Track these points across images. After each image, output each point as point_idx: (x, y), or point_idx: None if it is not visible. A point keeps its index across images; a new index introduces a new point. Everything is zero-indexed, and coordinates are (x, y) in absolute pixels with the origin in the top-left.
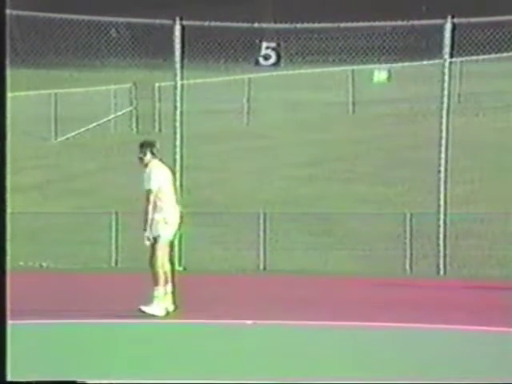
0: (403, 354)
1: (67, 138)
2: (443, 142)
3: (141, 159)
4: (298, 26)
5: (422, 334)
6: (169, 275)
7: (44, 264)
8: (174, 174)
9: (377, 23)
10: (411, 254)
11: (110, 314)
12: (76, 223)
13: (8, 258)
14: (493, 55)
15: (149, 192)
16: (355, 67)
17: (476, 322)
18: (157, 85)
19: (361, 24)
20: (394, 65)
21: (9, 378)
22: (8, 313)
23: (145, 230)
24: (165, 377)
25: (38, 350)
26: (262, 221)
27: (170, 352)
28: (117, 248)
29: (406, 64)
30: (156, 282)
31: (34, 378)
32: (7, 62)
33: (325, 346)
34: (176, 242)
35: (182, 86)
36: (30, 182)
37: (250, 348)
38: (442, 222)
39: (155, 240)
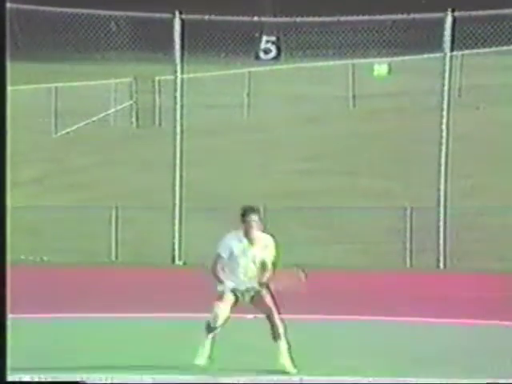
0: (403, 348)
1: (67, 132)
2: (444, 135)
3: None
4: (298, 19)
5: (422, 327)
6: None
7: (45, 258)
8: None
9: (377, 17)
10: (411, 248)
11: (110, 309)
12: (76, 217)
13: (8, 251)
14: (493, 49)
15: None
16: (355, 61)
17: (477, 316)
18: (157, 79)
19: (361, 17)
20: (395, 58)
21: (9, 378)
22: (8, 310)
23: None
24: (164, 371)
25: (39, 345)
26: (262, 214)
27: (170, 347)
28: (117, 242)
29: (407, 58)
30: None
31: (34, 373)
32: (7, 55)
33: (324, 340)
34: (176, 236)
35: (182, 79)
36: (30, 175)
37: (251, 342)
38: (442, 216)
39: None
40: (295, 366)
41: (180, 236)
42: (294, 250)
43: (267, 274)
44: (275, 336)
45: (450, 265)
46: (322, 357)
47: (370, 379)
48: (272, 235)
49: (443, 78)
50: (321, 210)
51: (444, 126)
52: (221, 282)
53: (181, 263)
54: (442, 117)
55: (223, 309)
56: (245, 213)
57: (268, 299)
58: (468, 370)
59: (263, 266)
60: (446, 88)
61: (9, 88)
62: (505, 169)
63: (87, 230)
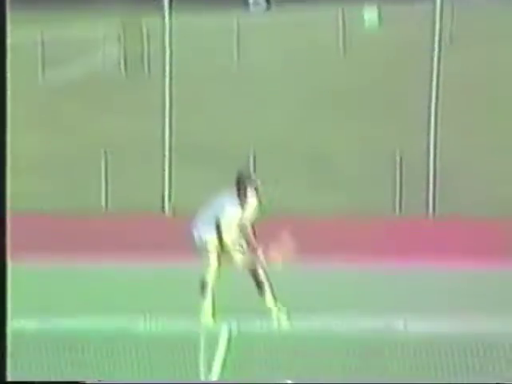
0: (393, 293)
1: (56, 80)
2: (434, 79)
3: None
4: None
5: (412, 273)
6: None
7: (35, 205)
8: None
9: None
10: (401, 194)
11: (99, 257)
12: (65, 165)
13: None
14: None
15: None
16: (346, 8)
17: (466, 260)
18: (145, 25)
19: None
20: (385, 6)
21: (9, 378)
22: (9, 310)
23: None
24: (155, 317)
25: (29, 291)
26: (251, 161)
27: (160, 293)
28: (106, 191)
29: (397, 5)
30: None
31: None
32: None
33: (316, 286)
34: (166, 185)
35: (171, 27)
36: (18, 123)
37: (241, 289)
38: (431, 162)
39: None
40: (279, 307)
41: (170, 184)
42: (284, 197)
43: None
44: (261, 292)
45: (439, 210)
46: (314, 303)
47: (358, 319)
48: (262, 181)
49: (434, 24)
50: (311, 156)
51: (435, 71)
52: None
53: (170, 211)
54: (432, 62)
55: (212, 259)
56: (241, 182)
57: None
58: (458, 314)
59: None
60: (436, 34)
61: None
62: (495, 112)
63: (77, 178)
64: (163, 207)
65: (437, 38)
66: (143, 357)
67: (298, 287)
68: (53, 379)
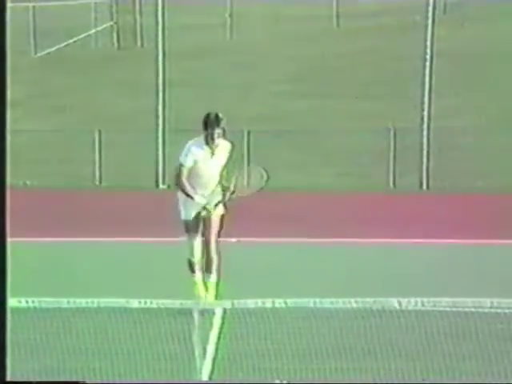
0: (389, 270)
1: (47, 53)
2: (428, 53)
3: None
4: None
5: (406, 248)
6: None
7: (28, 182)
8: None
9: None
10: (395, 169)
11: (94, 233)
12: (58, 141)
13: None
14: None
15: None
16: None
17: (460, 236)
18: None
19: None
20: None
21: (9, 378)
22: (8, 310)
23: None
24: (151, 294)
25: (23, 268)
26: (245, 138)
27: (155, 269)
28: (100, 166)
29: None
30: None
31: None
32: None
33: (310, 263)
34: (160, 160)
35: (164, 0)
36: (9, 97)
37: (234, 266)
38: (425, 136)
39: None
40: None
41: (164, 159)
42: (277, 173)
43: (231, 185)
44: (208, 268)
45: (433, 185)
46: (307, 279)
47: (355, 295)
48: (232, 143)
49: None
50: (305, 132)
51: (428, 44)
52: (190, 196)
53: (165, 187)
54: (426, 35)
55: (197, 237)
56: (208, 123)
57: (214, 224)
58: (452, 289)
59: (225, 173)
60: (430, 4)
61: None
62: (490, 87)
63: (70, 154)
64: (157, 182)
65: (431, 8)
66: (137, 333)
67: (292, 263)
68: (52, 379)
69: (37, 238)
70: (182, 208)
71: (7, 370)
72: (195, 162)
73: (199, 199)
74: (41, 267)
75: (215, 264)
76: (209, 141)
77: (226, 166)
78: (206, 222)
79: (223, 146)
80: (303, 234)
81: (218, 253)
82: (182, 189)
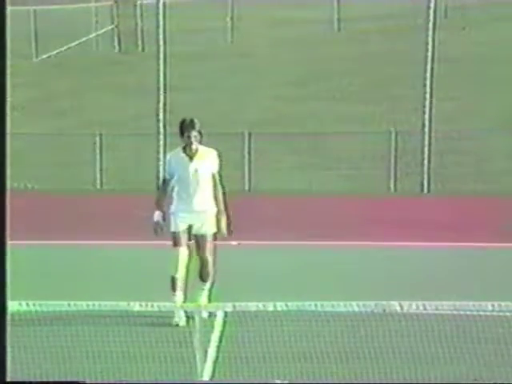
0: (390, 273)
1: (48, 57)
2: (429, 57)
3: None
4: None
5: (407, 251)
6: None
7: (29, 185)
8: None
9: None
10: (396, 172)
11: (95, 236)
12: (59, 145)
13: None
14: None
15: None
16: None
17: (460, 239)
18: (139, 2)
19: None
20: None
21: (9, 378)
22: (8, 313)
23: None
24: (150, 298)
25: (24, 271)
26: (246, 141)
27: (156, 273)
28: (101, 170)
29: None
30: None
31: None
32: (7, 55)
33: (311, 266)
34: (161, 163)
35: (165, 3)
36: (11, 102)
37: (235, 269)
38: (426, 140)
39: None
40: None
41: (164, 163)
42: (279, 176)
43: (219, 194)
44: (203, 279)
45: (433, 188)
46: (308, 282)
47: (354, 298)
48: (217, 150)
49: None
50: (306, 135)
51: (429, 47)
52: (161, 210)
53: None
54: (427, 38)
55: (184, 252)
56: (183, 127)
57: (209, 241)
58: (452, 292)
59: (210, 180)
60: (431, 8)
61: None
62: (490, 91)
63: (71, 157)
64: (158, 186)
65: (431, 12)
66: (138, 336)
67: (292, 266)
68: (53, 379)
69: (37, 240)
70: (171, 219)
71: (7, 370)
72: (175, 172)
73: (156, 216)
74: (41, 270)
75: (210, 276)
76: (186, 147)
77: (215, 176)
78: (200, 239)
79: (205, 152)
80: (304, 237)
81: (214, 266)
82: (157, 203)
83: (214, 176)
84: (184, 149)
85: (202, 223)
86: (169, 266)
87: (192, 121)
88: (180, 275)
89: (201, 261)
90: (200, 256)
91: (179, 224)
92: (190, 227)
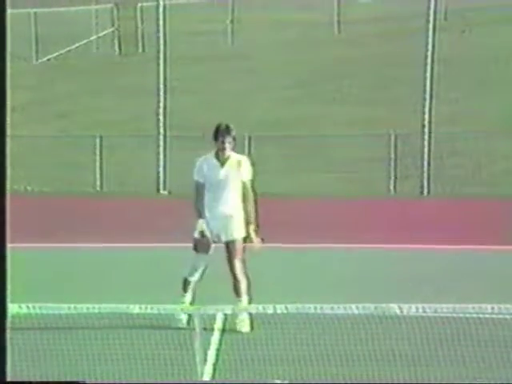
0: (390, 275)
1: (49, 59)
2: (429, 60)
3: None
4: None
5: (406, 253)
6: None
7: (29, 187)
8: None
9: None
10: (395, 175)
11: (95, 239)
12: (59, 146)
13: None
14: None
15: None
16: None
17: (461, 241)
18: (139, 5)
19: None
20: None
21: (9, 378)
22: (8, 315)
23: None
24: (150, 300)
25: (24, 274)
26: (246, 143)
27: (156, 276)
28: (101, 172)
29: None
30: None
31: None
32: (7, 57)
33: (310, 268)
34: (161, 166)
35: (165, 6)
36: (11, 104)
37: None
38: (426, 142)
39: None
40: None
41: (164, 165)
42: (278, 178)
43: (250, 202)
44: (237, 291)
45: (433, 191)
46: (307, 284)
47: (355, 300)
48: (250, 158)
49: (428, 0)
50: (306, 138)
51: (429, 50)
52: (201, 216)
53: (165, 193)
54: (427, 41)
55: (203, 259)
56: (218, 133)
57: (238, 247)
58: (452, 294)
59: (240, 187)
60: (431, 11)
61: None
62: (490, 93)
63: (71, 159)
64: (158, 188)
65: (431, 13)
66: (138, 339)
67: (292, 269)
68: (52, 379)
69: (37, 243)
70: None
71: (7, 370)
72: (205, 177)
73: (200, 224)
74: (41, 272)
75: (243, 285)
76: (219, 152)
77: (246, 184)
78: (230, 245)
79: (237, 159)
80: (303, 240)
81: (245, 274)
82: (195, 206)
83: (245, 184)
84: (216, 154)
85: (229, 229)
86: (185, 267)
87: (227, 126)
88: (194, 279)
89: (233, 276)
90: (231, 270)
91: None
92: (216, 235)
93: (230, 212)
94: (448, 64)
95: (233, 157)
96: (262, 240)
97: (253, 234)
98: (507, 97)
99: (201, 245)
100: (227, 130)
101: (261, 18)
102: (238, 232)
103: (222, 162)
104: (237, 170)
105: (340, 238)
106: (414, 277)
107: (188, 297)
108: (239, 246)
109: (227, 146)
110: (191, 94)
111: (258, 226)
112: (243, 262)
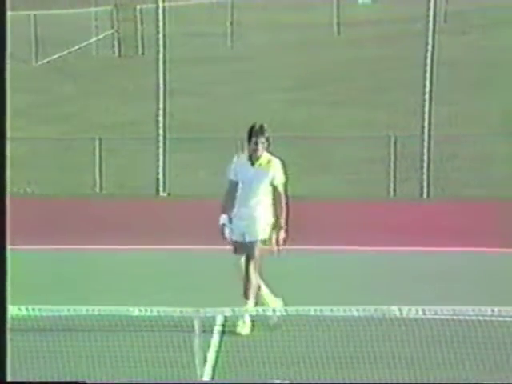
0: (389, 277)
1: (48, 62)
2: (428, 62)
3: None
4: None
5: (406, 256)
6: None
7: (29, 189)
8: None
9: None
10: (395, 177)
11: (94, 241)
12: (59, 149)
13: None
14: None
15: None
16: None
17: (461, 244)
18: (138, 7)
19: None
20: None
21: (9, 378)
22: (8, 315)
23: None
24: (150, 303)
25: (24, 276)
26: (246, 146)
27: (155, 277)
28: (101, 174)
29: None
30: None
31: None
32: (7, 60)
33: (310, 271)
34: (160, 167)
35: (165, 8)
36: (10, 106)
37: (234, 273)
38: (426, 144)
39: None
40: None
41: (164, 167)
42: None
43: (282, 206)
44: (246, 292)
45: (433, 193)
46: (307, 287)
47: (355, 303)
48: (282, 161)
49: (428, 3)
50: (305, 139)
51: (429, 52)
52: (225, 212)
53: (165, 194)
54: (427, 43)
55: (242, 260)
56: (252, 133)
57: (255, 250)
58: (452, 297)
59: (270, 190)
60: (431, 13)
61: None
62: (490, 95)
63: (70, 161)
64: (157, 190)
65: (431, 16)
66: (138, 340)
67: (291, 271)
68: (52, 379)
69: (37, 245)
70: (232, 225)
71: (7, 370)
72: (236, 175)
73: (222, 219)
74: (41, 274)
75: (252, 290)
76: (251, 152)
77: (277, 187)
78: (248, 245)
79: (269, 161)
80: (303, 242)
81: (256, 280)
82: (223, 204)
83: (276, 187)
84: (249, 154)
85: (254, 230)
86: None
87: (262, 127)
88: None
89: (246, 276)
90: (246, 269)
91: (235, 230)
92: (241, 234)
93: (256, 213)
94: (448, 66)
95: (265, 158)
96: (284, 242)
97: (274, 238)
98: (507, 99)
99: (239, 248)
100: (261, 130)
101: (260, 19)
102: (261, 234)
103: (254, 162)
104: (267, 172)
105: (339, 240)
106: (414, 279)
107: (250, 303)
108: (257, 247)
109: (260, 146)
110: (191, 96)
111: (287, 231)
112: (259, 264)
